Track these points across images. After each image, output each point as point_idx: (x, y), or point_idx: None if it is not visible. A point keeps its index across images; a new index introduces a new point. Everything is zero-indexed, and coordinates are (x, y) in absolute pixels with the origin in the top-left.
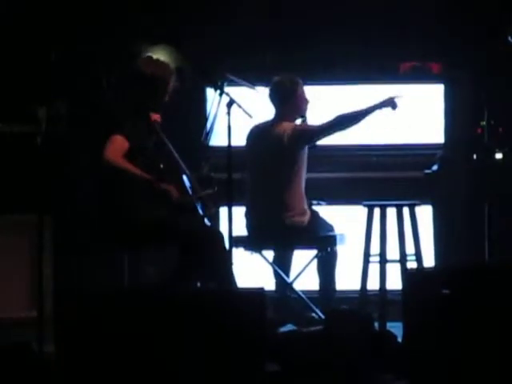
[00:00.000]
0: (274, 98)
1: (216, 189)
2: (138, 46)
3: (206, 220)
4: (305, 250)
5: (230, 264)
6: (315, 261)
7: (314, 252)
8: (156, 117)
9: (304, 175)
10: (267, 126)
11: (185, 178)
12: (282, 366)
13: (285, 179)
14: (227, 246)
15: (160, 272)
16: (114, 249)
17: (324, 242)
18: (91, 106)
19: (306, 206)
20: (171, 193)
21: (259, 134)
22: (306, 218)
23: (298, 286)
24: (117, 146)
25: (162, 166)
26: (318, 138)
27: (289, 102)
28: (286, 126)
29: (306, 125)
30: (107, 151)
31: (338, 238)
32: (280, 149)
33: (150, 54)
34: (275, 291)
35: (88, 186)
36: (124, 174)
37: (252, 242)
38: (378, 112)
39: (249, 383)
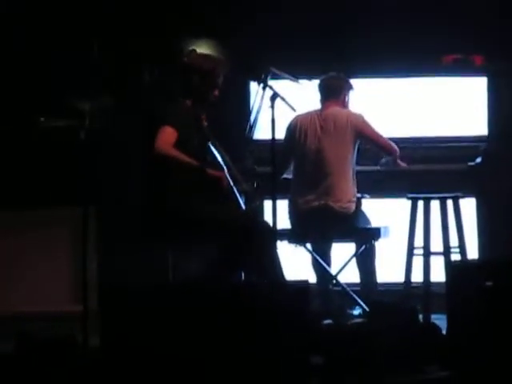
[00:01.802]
0: (323, 93)
1: (256, 184)
2: (180, 39)
3: (251, 212)
4: (346, 242)
5: (277, 257)
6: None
7: (353, 245)
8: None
9: (354, 162)
10: (320, 112)
11: (227, 172)
12: (326, 359)
13: (339, 163)
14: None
15: (202, 266)
16: (159, 241)
17: (368, 235)
18: (134, 98)
19: (355, 194)
20: (222, 180)
21: (313, 119)
22: (353, 205)
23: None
24: (168, 136)
25: (207, 157)
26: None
27: (338, 100)
28: (352, 114)
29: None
30: (159, 141)
31: (382, 231)
32: (343, 133)
33: (193, 47)
34: (317, 284)
35: (132, 180)
36: (176, 163)
37: (296, 235)
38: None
39: (294, 376)
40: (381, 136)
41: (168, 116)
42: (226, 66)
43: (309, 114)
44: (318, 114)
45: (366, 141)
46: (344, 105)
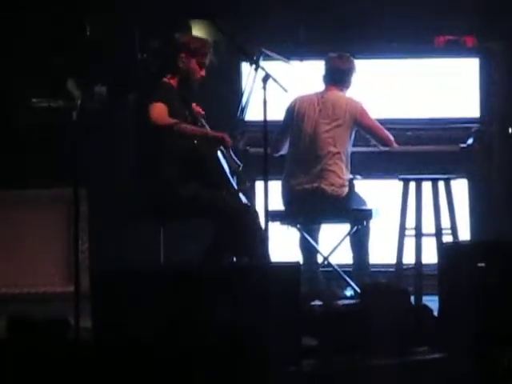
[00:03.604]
0: (329, 75)
1: (241, 166)
2: (174, 20)
3: (240, 195)
4: (339, 223)
5: (265, 239)
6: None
7: (346, 226)
8: (198, 109)
9: (350, 148)
10: (321, 95)
11: (219, 154)
12: (318, 341)
13: (334, 148)
14: (262, 220)
15: (198, 247)
16: (151, 223)
17: (360, 216)
18: (126, 79)
19: (347, 178)
20: (225, 139)
21: (312, 102)
22: (345, 189)
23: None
24: (161, 110)
25: (195, 141)
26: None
27: (342, 86)
28: (352, 101)
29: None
30: (154, 115)
31: (373, 212)
32: (341, 119)
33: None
34: (304, 266)
35: (124, 160)
36: (176, 131)
37: (288, 216)
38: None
39: (285, 357)
40: (378, 127)
41: (156, 94)
42: (211, 46)
43: (309, 97)
44: (319, 96)
45: (363, 130)
46: (347, 89)
